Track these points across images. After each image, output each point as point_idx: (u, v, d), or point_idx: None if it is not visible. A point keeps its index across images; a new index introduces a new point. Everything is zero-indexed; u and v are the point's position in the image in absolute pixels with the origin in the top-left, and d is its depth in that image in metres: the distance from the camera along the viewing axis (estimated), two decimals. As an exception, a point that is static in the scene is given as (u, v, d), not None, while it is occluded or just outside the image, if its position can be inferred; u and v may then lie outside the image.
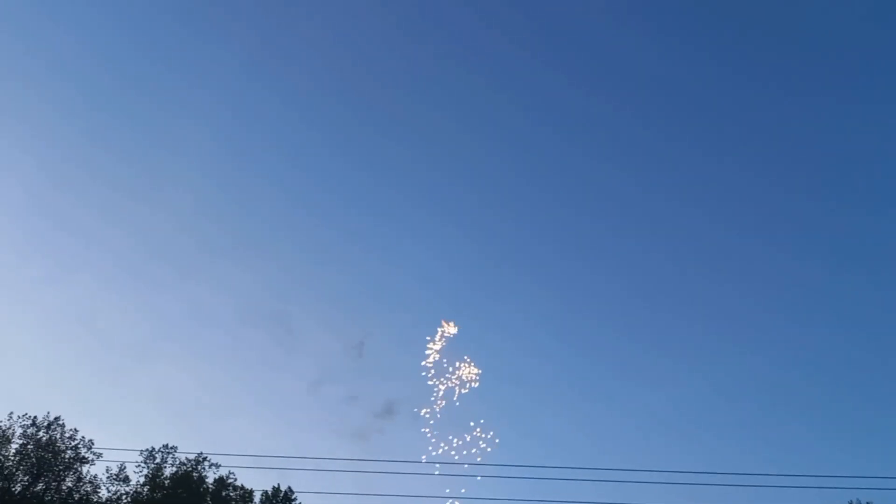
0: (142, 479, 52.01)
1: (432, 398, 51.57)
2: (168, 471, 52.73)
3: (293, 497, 54.78)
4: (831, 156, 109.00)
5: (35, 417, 50.96)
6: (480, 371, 51.78)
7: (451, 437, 49.88)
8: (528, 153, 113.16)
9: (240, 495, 53.22)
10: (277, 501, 54.35)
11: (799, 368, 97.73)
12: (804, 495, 40.44)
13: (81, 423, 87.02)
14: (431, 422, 51.19)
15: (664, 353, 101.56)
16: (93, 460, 51.35)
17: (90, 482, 51.05)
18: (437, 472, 46.26)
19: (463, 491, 45.56)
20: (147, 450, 52.81)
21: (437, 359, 51.71)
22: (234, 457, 61.70)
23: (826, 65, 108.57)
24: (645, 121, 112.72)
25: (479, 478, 45.71)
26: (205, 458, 53.22)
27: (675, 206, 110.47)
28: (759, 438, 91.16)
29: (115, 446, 71.95)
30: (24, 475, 49.47)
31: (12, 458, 49.49)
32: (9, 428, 50.05)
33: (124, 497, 51.24)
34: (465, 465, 48.80)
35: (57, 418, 51.59)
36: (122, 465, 51.71)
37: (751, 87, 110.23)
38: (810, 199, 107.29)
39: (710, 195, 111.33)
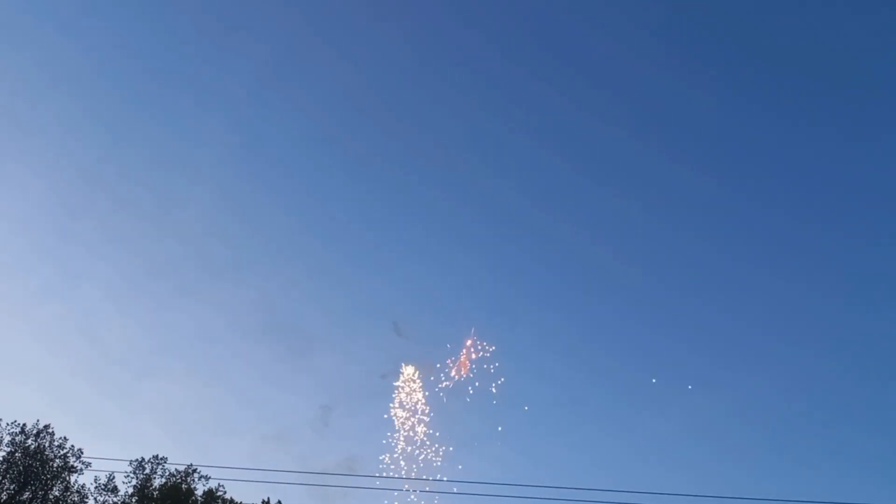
0: (130, 490, 51.23)
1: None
2: (157, 482, 51.94)
3: (283, 511, 53.77)
4: (834, 185, 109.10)
5: (24, 425, 50.40)
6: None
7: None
8: (535, 179, 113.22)
9: (229, 508, 52.32)
10: (267, 515, 53.35)
11: (801, 395, 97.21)
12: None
13: (76, 434, 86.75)
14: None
15: (667, 380, 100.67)
16: (81, 470, 50.68)
17: (78, 492, 50.28)
18: (428, 489, 45.55)
19: None
20: (136, 460, 52.13)
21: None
22: (225, 469, 60.81)
23: (830, 94, 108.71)
24: (657, 153, 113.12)
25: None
26: (194, 470, 52.46)
27: (680, 235, 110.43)
28: (761, 463, 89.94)
29: (110, 457, 71.25)
30: (11, 483, 48.74)
31: (-1, 465, 48.84)
32: (-4, 435, 49.49)
33: (112, 508, 50.46)
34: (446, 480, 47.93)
35: (46, 426, 51.00)
36: (111, 475, 51.04)
37: (758, 117, 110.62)
38: (817, 231, 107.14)
39: (716, 226, 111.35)
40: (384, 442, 49.37)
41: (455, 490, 45.62)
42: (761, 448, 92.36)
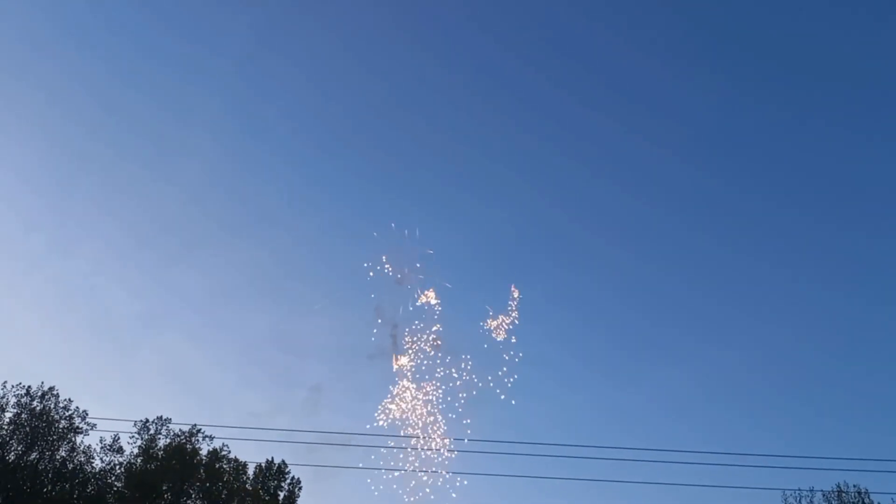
0: (135, 450, 52.10)
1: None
2: (162, 442, 52.78)
3: (287, 470, 54.85)
4: (814, 172, 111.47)
5: (29, 387, 50.89)
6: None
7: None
8: (534, 163, 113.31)
9: (233, 468, 53.22)
10: (271, 474, 54.41)
11: (769, 365, 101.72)
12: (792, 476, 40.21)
13: (80, 394, 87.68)
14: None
15: (650, 350, 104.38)
16: (87, 430, 51.39)
17: (84, 452, 51.10)
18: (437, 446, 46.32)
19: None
20: (141, 421, 52.88)
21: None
22: (229, 429, 61.63)
23: (820, 88, 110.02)
24: (650, 142, 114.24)
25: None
26: (199, 430, 53.29)
27: (670, 220, 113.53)
28: (744, 424, 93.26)
29: (114, 418, 72.17)
30: (18, 444, 49.48)
31: (6, 427, 49.43)
32: (2, 397, 49.99)
33: (118, 467, 51.38)
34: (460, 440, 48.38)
35: (51, 388, 51.53)
36: (116, 435, 51.81)
37: (738, 105, 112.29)
38: (792, 214, 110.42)
39: (702, 211, 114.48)
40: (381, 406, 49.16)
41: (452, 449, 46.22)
42: (743, 411, 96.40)
